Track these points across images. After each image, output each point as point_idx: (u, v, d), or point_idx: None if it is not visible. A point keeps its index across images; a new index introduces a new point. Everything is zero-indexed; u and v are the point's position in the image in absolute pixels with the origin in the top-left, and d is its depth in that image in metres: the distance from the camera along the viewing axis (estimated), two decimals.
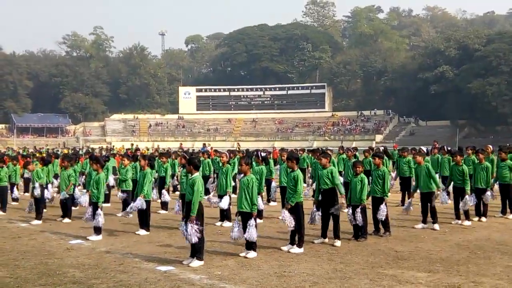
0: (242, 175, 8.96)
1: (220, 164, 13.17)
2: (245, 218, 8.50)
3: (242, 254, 8.45)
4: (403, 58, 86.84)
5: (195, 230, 7.83)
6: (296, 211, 8.86)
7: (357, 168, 10.04)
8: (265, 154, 13.53)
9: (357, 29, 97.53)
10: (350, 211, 9.85)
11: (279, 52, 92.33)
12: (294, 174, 9.02)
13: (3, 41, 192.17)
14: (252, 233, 8.32)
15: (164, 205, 14.10)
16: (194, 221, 7.86)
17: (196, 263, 7.88)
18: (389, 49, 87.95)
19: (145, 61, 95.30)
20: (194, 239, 7.83)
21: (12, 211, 14.37)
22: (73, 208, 13.35)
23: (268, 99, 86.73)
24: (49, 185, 14.31)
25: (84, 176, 16.22)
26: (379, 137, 69.26)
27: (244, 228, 8.42)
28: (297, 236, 8.94)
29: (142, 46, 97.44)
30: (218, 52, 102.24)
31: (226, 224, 11.67)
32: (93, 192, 10.51)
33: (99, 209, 10.29)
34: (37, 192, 12.53)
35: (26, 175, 17.89)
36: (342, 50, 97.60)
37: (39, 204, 12.63)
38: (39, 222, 12.28)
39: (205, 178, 15.38)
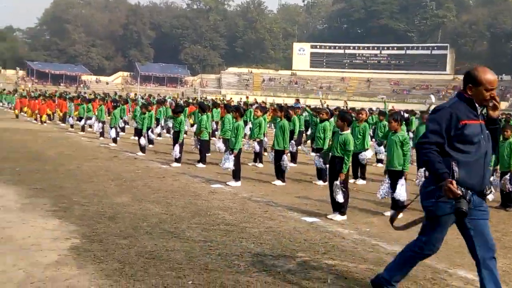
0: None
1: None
2: (394, 176, 8.26)
3: (387, 214, 8.24)
4: None
5: (341, 187, 7.78)
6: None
7: (506, 132, 9.44)
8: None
9: None
10: None
11: (400, 9, 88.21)
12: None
13: None
14: (401, 192, 8.06)
15: (293, 158, 14.17)
16: (342, 179, 7.82)
17: (339, 217, 7.85)
18: None
19: (261, 16, 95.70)
20: (339, 198, 7.77)
21: (150, 154, 15.23)
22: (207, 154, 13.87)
23: (385, 58, 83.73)
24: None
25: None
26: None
27: (393, 187, 8.19)
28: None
29: (259, 0, 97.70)
30: (335, 8, 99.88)
31: (360, 182, 11.58)
32: (232, 139, 10.80)
33: (229, 155, 10.53)
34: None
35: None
36: (468, 9, 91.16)
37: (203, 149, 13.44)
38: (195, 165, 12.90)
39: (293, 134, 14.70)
